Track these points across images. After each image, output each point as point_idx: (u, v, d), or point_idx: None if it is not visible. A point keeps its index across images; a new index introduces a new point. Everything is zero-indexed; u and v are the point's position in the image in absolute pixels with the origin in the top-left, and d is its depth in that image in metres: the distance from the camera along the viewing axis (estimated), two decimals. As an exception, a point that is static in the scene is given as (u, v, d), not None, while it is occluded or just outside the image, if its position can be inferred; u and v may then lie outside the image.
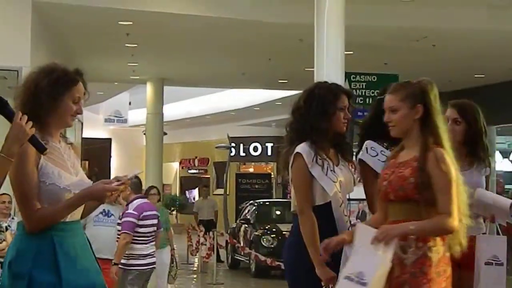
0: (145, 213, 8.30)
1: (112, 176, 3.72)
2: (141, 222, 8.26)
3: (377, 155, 4.57)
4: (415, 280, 3.79)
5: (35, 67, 3.65)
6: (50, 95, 3.47)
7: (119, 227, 8.38)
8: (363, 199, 4.67)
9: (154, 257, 8.55)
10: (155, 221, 8.54)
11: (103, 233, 8.34)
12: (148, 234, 8.40)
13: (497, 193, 5.84)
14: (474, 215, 4.98)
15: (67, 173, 3.55)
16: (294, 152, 4.29)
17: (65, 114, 3.57)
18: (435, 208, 3.81)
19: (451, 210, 3.80)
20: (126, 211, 8.27)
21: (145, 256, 8.35)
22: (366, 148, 4.58)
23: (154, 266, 8.65)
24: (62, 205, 3.48)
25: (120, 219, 8.37)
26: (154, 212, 8.59)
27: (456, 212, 3.82)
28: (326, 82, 4.68)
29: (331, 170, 4.29)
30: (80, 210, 3.62)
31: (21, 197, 3.47)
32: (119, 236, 8.28)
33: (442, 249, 3.86)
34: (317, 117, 4.32)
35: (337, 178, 4.29)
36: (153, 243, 8.60)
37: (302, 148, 4.28)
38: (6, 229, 8.36)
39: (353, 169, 4.52)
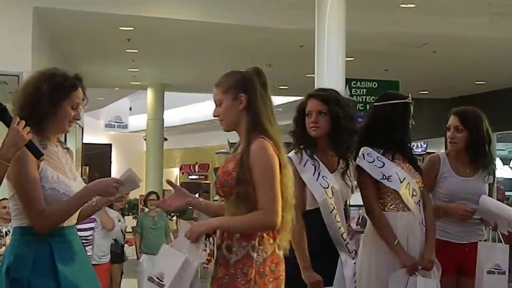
0: None
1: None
2: (78, 226, 8.32)
3: (373, 161, 4.58)
4: (233, 282, 3.59)
5: (34, 71, 3.64)
6: (50, 99, 3.47)
7: None
8: (362, 205, 4.68)
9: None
10: (92, 225, 8.60)
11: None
12: (83, 238, 8.45)
13: (497, 200, 5.86)
14: (476, 221, 5.01)
15: (65, 177, 3.55)
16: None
17: (63, 120, 3.56)
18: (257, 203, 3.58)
19: (269, 205, 3.54)
20: None
21: None
22: (363, 155, 4.59)
23: None
24: (68, 201, 3.48)
25: None
26: (93, 216, 8.69)
27: (277, 207, 3.55)
28: (320, 88, 4.69)
29: (323, 176, 4.27)
30: (76, 215, 3.62)
31: (26, 198, 3.45)
32: None
33: (271, 248, 3.64)
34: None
35: (329, 184, 4.27)
36: (90, 246, 8.63)
37: (292, 153, 4.31)
38: (6, 234, 8.36)
39: (351, 176, 4.51)
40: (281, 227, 3.63)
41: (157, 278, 3.52)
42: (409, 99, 4.73)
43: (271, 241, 3.64)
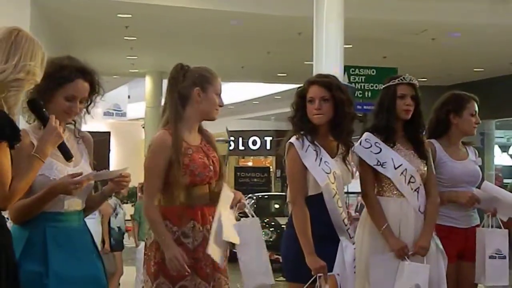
0: None
1: (111, 169, 3.79)
2: None
3: (370, 146, 4.59)
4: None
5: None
6: (43, 89, 3.44)
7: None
8: (361, 193, 4.68)
9: None
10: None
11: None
12: None
13: (495, 187, 5.90)
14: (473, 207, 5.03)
15: (61, 163, 3.52)
16: (287, 143, 4.32)
17: (57, 109, 3.53)
18: None
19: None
20: None
21: None
22: (361, 140, 4.61)
23: None
24: (32, 199, 3.45)
25: None
26: None
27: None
28: (317, 74, 4.67)
29: (325, 161, 4.27)
30: (77, 201, 3.59)
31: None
32: None
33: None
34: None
35: (331, 170, 4.27)
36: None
37: (294, 138, 4.31)
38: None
39: (352, 162, 4.51)
40: None
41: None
42: (395, 81, 4.69)
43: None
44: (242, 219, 4.05)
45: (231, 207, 3.99)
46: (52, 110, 3.48)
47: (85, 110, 3.66)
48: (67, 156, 3.38)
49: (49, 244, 3.43)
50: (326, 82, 4.37)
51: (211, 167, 4.05)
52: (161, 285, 3.92)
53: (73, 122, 3.69)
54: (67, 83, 3.52)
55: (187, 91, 4.11)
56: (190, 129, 4.10)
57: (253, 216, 4.06)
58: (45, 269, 3.40)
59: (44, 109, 3.36)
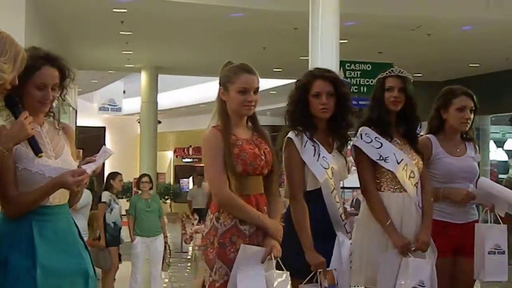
0: None
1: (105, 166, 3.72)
2: None
3: (371, 141, 4.58)
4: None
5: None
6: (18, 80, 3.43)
7: None
8: (357, 188, 4.67)
9: None
10: None
11: None
12: None
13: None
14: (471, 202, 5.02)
15: (43, 156, 3.52)
16: (286, 138, 4.32)
17: (31, 101, 3.52)
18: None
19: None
20: None
21: None
22: (361, 135, 4.59)
23: None
24: (33, 193, 3.47)
25: None
26: None
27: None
28: (316, 68, 4.65)
29: (323, 157, 4.28)
30: (63, 194, 3.59)
31: None
32: None
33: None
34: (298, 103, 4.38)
35: (329, 165, 4.28)
36: None
37: (293, 133, 4.30)
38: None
39: (348, 157, 4.51)
40: None
41: None
42: (384, 74, 4.69)
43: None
44: (276, 271, 4.01)
45: (262, 262, 3.95)
46: (28, 103, 3.49)
47: (61, 99, 3.65)
48: (36, 151, 3.40)
49: (36, 237, 3.44)
50: (331, 77, 4.40)
51: (263, 157, 4.04)
52: (219, 270, 3.96)
53: (52, 114, 3.68)
54: (35, 71, 3.51)
55: (218, 90, 4.21)
56: (236, 124, 4.12)
57: (283, 269, 4.03)
58: (33, 262, 3.41)
59: (19, 105, 3.39)
